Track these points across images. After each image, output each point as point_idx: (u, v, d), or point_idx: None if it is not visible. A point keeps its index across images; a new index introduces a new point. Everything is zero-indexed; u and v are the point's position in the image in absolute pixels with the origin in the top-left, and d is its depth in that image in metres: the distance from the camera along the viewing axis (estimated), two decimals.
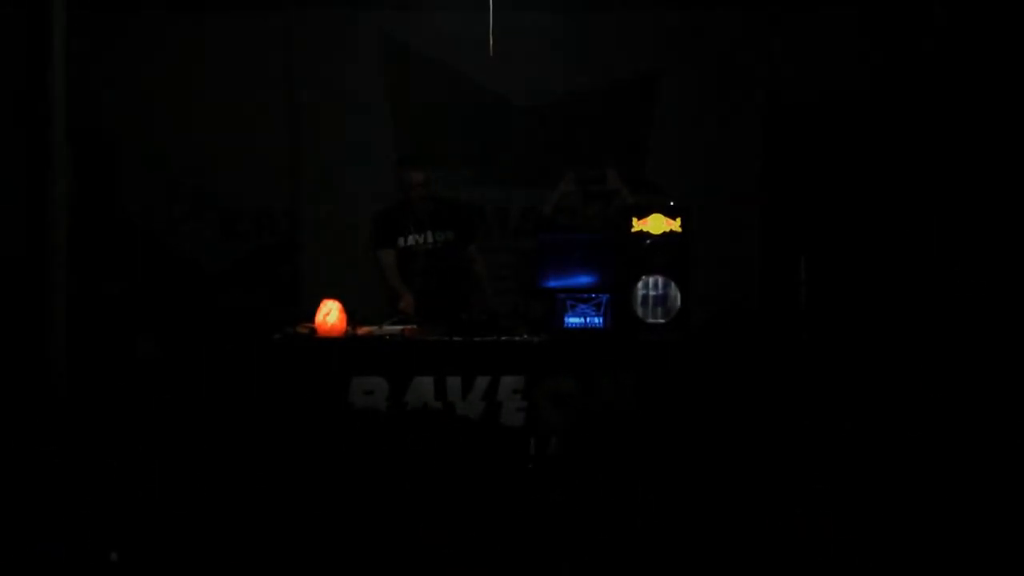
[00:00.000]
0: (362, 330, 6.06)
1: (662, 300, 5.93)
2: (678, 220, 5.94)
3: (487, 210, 8.23)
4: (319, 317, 5.94)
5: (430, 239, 6.61)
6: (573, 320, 5.94)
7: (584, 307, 5.94)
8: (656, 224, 5.95)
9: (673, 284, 5.92)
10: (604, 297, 5.94)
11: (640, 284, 5.93)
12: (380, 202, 7.08)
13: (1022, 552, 4.59)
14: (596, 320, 5.93)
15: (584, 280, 6.06)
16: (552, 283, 6.06)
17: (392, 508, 4.99)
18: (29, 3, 5.84)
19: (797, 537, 4.71)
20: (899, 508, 5.04)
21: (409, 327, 6.15)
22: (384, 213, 6.72)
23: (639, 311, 5.92)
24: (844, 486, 5.34)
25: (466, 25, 7.19)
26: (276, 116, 8.09)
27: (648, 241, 5.93)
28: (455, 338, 5.91)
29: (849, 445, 5.86)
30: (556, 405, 5.82)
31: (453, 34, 7.78)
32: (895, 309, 7.64)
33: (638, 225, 5.95)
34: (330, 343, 5.89)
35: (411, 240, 6.61)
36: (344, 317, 5.96)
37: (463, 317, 6.07)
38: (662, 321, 5.91)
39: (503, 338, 5.93)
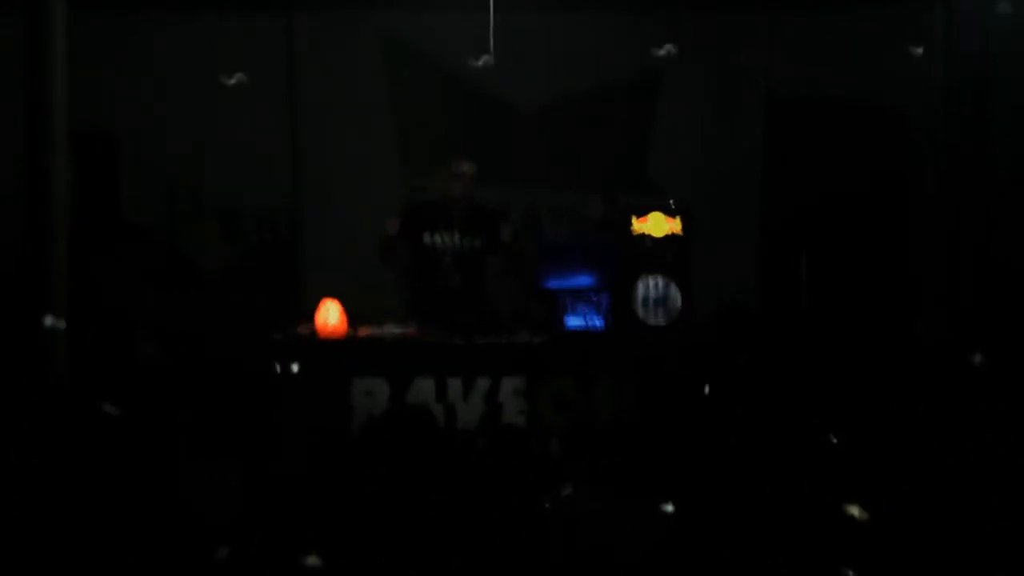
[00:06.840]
0: (363, 331, 6.06)
1: (663, 300, 5.93)
2: (678, 220, 5.94)
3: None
4: (319, 318, 5.94)
5: (458, 242, 6.44)
6: (574, 321, 5.94)
7: (584, 308, 5.93)
8: (656, 224, 5.95)
9: (673, 284, 5.92)
10: (605, 298, 5.94)
11: (640, 285, 5.93)
12: (380, 202, 7.07)
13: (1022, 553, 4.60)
14: (597, 321, 5.93)
15: (584, 281, 6.06)
16: (553, 284, 6.05)
17: (392, 510, 4.99)
18: (29, 3, 5.83)
19: (797, 538, 4.71)
20: (901, 509, 5.04)
21: (410, 328, 6.14)
22: (415, 207, 6.53)
23: (640, 312, 5.91)
24: (844, 486, 5.34)
25: (466, 25, 7.18)
26: (276, 116, 8.08)
27: (649, 244, 5.93)
28: (456, 339, 5.91)
29: (849, 445, 5.85)
30: (557, 407, 5.81)
31: (453, 34, 7.77)
32: (897, 308, 7.64)
33: (638, 226, 5.95)
34: (330, 344, 5.89)
35: (438, 239, 6.42)
36: (344, 318, 5.96)
37: (463, 318, 6.06)
38: (663, 322, 5.91)
39: (504, 339, 5.92)
